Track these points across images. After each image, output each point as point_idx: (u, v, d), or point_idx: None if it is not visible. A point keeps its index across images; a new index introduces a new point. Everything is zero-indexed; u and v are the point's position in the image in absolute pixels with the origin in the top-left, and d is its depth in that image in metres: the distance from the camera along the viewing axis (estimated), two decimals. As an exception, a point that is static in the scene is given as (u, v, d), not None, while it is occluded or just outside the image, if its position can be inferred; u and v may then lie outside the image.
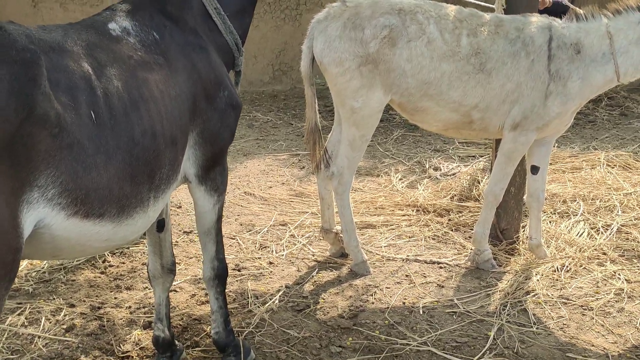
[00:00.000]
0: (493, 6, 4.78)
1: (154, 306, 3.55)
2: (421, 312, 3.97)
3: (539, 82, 4.09)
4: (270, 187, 6.28)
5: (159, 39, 2.86)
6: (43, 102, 2.17)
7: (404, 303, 4.09)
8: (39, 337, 3.70)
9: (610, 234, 4.92)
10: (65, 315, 3.91)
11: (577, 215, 5.25)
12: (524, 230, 4.92)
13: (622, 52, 4.11)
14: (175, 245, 4.94)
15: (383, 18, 4.05)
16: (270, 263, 4.65)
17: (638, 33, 4.09)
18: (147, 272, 3.47)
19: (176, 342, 3.57)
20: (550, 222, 5.17)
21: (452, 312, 3.98)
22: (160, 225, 3.36)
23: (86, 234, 2.45)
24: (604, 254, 4.66)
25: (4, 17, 9.95)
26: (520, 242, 4.85)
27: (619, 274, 4.36)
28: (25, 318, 3.89)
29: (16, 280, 4.23)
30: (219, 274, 3.36)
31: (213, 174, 3.12)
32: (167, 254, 3.42)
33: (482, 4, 5.39)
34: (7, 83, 2.07)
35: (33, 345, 3.64)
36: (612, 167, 6.34)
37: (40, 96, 2.16)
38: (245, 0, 3.31)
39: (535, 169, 4.50)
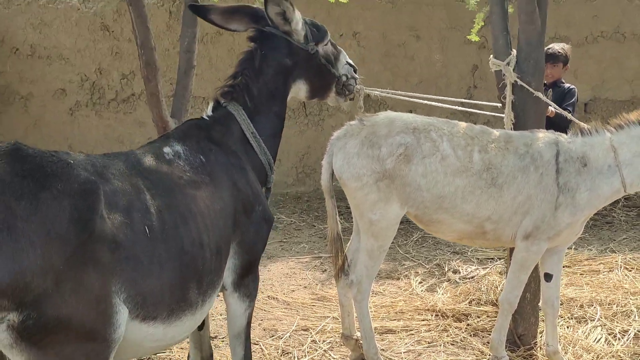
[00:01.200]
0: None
1: None
2: (440, 421, 4.04)
3: (548, 194, 4.29)
4: (293, 290, 6.43)
5: (205, 161, 3.33)
6: (100, 224, 2.56)
7: (423, 411, 4.17)
8: None
9: (627, 340, 4.98)
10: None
11: (594, 320, 5.32)
12: (541, 336, 5.00)
13: (627, 164, 4.32)
14: (200, 350, 5.07)
15: (399, 137, 4.31)
16: (292, 369, 4.76)
17: None
18: None
19: None
20: (567, 327, 5.24)
21: (471, 420, 4.04)
22: (201, 324, 3.63)
23: (141, 334, 2.78)
24: (622, 360, 4.71)
25: (43, 124, 10.50)
26: (538, 348, 4.91)
27: (637, 382, 4.41)
28: None
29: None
30: None
31: (247, 281, 3.48)
32: (206, 348, 3.81)
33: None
34: (68, 213, 2.47)
35: None
36: (630, 270, 6.43)
37: (98, 220, 2.56)
38: (277, 125, 3.81)
39: (548, 277, 4.63)
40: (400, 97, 5.44)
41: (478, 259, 7.10)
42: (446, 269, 6.78)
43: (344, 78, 4.08)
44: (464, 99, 10.05)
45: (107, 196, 2.69)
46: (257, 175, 3.63)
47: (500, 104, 4.87)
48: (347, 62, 4.15)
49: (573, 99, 6.36)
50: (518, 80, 4.66)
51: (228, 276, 3.37)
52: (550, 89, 6.48)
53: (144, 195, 2.89)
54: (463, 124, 4.50)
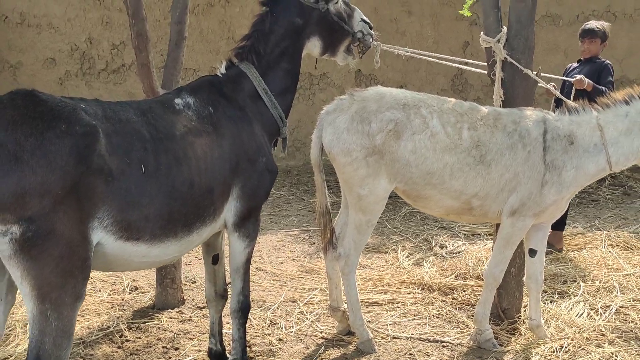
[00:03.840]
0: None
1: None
2: (424, 391, 4.13)
3: (535, 172, 4.35)
4: (282, 262, 6.50)
5: (212, 113, 3.74)
6: (98, 160, 3.04)
7: (407, 382, 4.26)
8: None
9: (609, 315, 5.08)
10: (83, 390, 4.10)
11: (577, 295, 5.43)
12: (525, 310, 5.09)
13: (612, 142, 4.38)
14: (188, 320, 5.14)
15: (389, 112, 4.35)
16: (280, 340, 4.83)
17: (626, 125, 4.36)
18: (205, 296, 4.35)
19: (227, 355, 4.29)
20: (550, 302, 5.34)
21: (454, 391, 4.14)
22: (215, 259, 4.22)
23: (127, 251, 3.28)
24: (603, 335, 4.80)
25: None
26: (522, 322, 5.01)
27: (617, 356, 4.50)
28: (46, 391, 4.06)
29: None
30: (243, 308, 4.04)
31: (247, 223, 3.87)
32: (220, 283, 4.25)
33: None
34: (68, 149, 2.94)
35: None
36: (613, 247, 6.53)
37: (95, 157, 3.02)
38: (288, 81, 4.12)
39: (533, 252, 4.71)
40: (411, 54, 5.45)
41: (465, 234, 7.19)
42: (433, 244, 6.86)
43: (359, 35, 4.35)
44: (455, 75, 10.09)
45: (108, 137, 3.13)
46: (269, 128, 4.02)
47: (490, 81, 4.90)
48: (362, 19, 4.40)
49: (610, 76, 6.40)
50: (508, 57, 4.70)
51: (230, 217, 3.78)
52: (583, 65, 6.53)
53: (145, 138, 3.31)
54: (452, 100, 4.54)
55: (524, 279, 4.93)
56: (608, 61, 6.57)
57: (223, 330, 4.43)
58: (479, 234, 7.17)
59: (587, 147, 4.38)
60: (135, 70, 10.48)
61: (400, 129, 4.32)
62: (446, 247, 6.75)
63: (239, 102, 3.90)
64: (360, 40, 4.35)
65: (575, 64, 6.77)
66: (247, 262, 4.03)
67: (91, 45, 10.46)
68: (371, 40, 4.43)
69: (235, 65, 4.03)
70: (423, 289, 5.69)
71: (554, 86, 5.94)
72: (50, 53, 10.46)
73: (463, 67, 6.22)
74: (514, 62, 4.68)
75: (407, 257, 6.49)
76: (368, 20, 4.46)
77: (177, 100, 3.70)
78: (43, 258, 2.88)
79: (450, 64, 5.57)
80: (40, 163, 2.85)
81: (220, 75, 4.00)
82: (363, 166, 4.35)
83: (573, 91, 6.04)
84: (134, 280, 5.87)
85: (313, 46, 4.21)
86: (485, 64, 4.96)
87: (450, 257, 6.44)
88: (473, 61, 5.74)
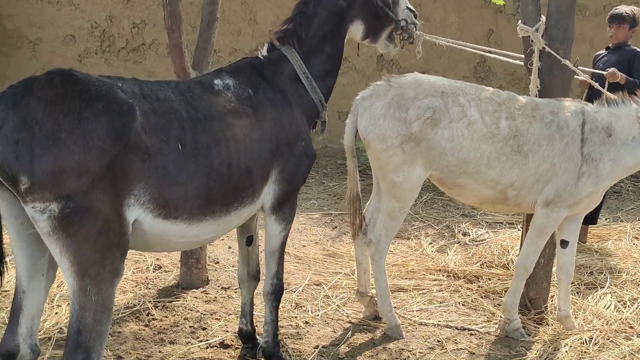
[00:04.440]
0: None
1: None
2: (454, 379, 4.14)
3: (572, 163, 4.32)
4: (304, 245, 6.50)
5: (252, 94, 3.72)
6: (135, 139, 3.04)
7: (437, 369, 4.27)
8: (91, 387, 3.90)
9: (637, 308, 5.07)
10: (113, 367, 4.12)
11: (604, 287, 5.42)
12: (552, 301, 5.09)
13: (651, 136, 4.35)
14: (213, 300, 5.16)
15: (427, 100, 4.32)
16: (306, 323, 4.84)
17: None
18: (238, 277, 4.35)
19: (257, 335, 4.32)
20: (577, 294, 5.33)
21: (484, 380, 4.15)
22: (249, 240, 4.21)
23: (165, 231, 3.28)
24: (631, 327, 4.80)
25: (51, 69, 10.39)
26: (549, 312, 5.01)
27: (646, 349, 4.50)
28: (77, 368, 4.08)
29: (65, 330, 4.48)
30: (276, 291, 4.06)
31: (284, 207, 3.87)
32: (253, 264, 4.25)
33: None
34: (105, 127, 2.95)
35: (85, 395, 3.84)
36: (638, 240, 6.50)
37: (132, 135, 3.03)
38: (329, 65, 4.09)
39: (564, 243, 4.69)
40: (451, 45, 5.40)
41: (487, 222, 7.18)
42: (456, 231, 6.85)
43: (403, 22, 4.30)
44: (478, 62, 10.03)
45: (145, 116, 3.13)
46: (308, 112, 4.01)
47: (527, 70, 4.86)
48: (407, 7, 4.35)
49: None
50: (546, 47, 4.65)
51: (267, 200, 3.78)
52: (611, 53, 6.42)
53: (183, 117, 3.31)
54: (490, 89, 4.50)
55: (553, 269, 4.92)
56: (638, 49, 6.45)
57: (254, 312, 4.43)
58: (501, 223, 7.16)
59: (625, 139, 4.35)
60: (155, 49, 10.49)
61: (438, 116, 4.29)
62: (469, 235, 6.74)
63: (279, 85, 3.88)
64: (403, 29, 4.29)
65: (603, 52, 6.66)
66: (283, 245, 4.03)
67: (111, 23, 10.41)
68: (414, 29, 4.37)
69: (277, 48, 4.00)
70: (448, 276, 5.69)
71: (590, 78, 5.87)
72: (70, 30, 10.42)
73: (487, 54, 6.17)
74: (552, 52, 4.63)
75: (430, 243, 6.48)
76: (413, 9, 4.40)
77: (217, 81, 3.69)
78: (81, 234, 2.90)
79: (500, 57, 5.42)
80: (78, 142, 2.86)
81: (262, 58, 3.98)
82: (398, 153, 4.33)
83: (606, 84, 5.91)
84: (157, 259, 5.88)
85: (356, 30, 4.15)
86: (511, 53, 4.92)
87: (474, 245, 6.43)
88: (507, 52, 5.69)
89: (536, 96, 4.69)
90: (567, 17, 4.64)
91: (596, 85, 5.11)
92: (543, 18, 4.70)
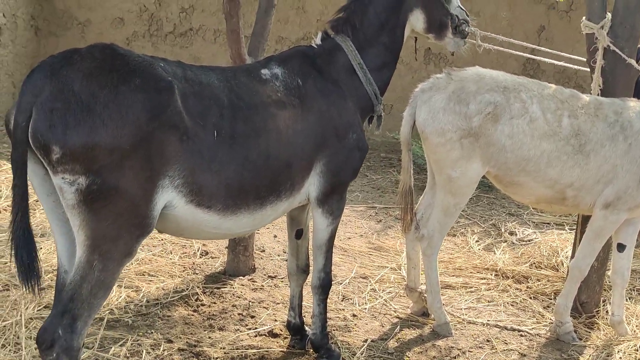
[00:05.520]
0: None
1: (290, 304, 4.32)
2: (505, 380, 4.08)
3: (634, 165, 4.22)
4: (349, 238, 6.48)
5: (301, 84, 3.62)
6: (173, 117, 3.00)
7: (487, 369, 4.21)
8: (142, 369, 3.93)
9: (691, 316, 4.96)
10: (164, 350, 4.11)
11: (657, 294, 5.30)
12: (604, 305, 4.99)
13: None
14: (260, 289, 5.16)
15: (488, 95, 4.24)
16: (354, 316, 4.81)
17: None
18: (287, 269, 4.35)
19: (305, 327, 4.30)
20: (630, 299, 5.22)
21: (536, 382, 4.08)
22: (299, 233, 4.18)
23: (198, 219, 3.23)
24: (686, 336, 4.69)
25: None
26: (600, 317, 4.91)
27: (701, 359, 4.39)
28: (127, 350, 4.09)
29: (116, 311, 4.53)
30: (324, 285, 4.01)
31: (331, 200, 3.77)
32: (303, 257, 4.22)
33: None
34: (141, 103, 2.91)
35: (136, 377, 3.87)
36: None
37: (169, 114, 2.98)
38: (386, 57, 3.96)
39: (621, 247, 4.59)
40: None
41: (534, 222, 7.08)
42: (502, 230, 6.76)
43: (456, 19, 4.11)
44: (527, 59, 9.88)
45: (184, 97, 3.08)
46: (362, 104, 3.89)
47: (589, 69, 4.75)
48: (458, 5, 4.18)
49: None
50: (611, 45, 4.54)
51: (313, 191, 3.70)
52: None
53: (224, 104, 3.25)
54: (553, 86, 4.42)
55: (608, 273, 4.82)
56: None
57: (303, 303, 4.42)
58: (548, 223, 7.05)
59: (690, 143, 4.23)
60: (203, 35, 10.53)
61: (499, 112, 4.22)
62: (516, 235, 6.64)
63: (332, 75, 3.78)
64: (457, 25, 4.10)
65: None
66: (331, 239, 3.96)
67: (160, 8, 10.49)
68: (467, 26, 4.18)
69: (331, 37, 3.90)
70: (497, 275, 5.62)
71: None
72: (119, 13, 10.52)
73: (535, 52, 6.05)
74: (617, 50, 4.52)
75: (476, 241, 6.41)
76: (464, 9, 4.23)
77: (264, 70, 3.60)
78: (103, 212, 2.89)
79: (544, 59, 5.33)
80: (112, 116, 2.83)
81: (315, 47, 3.88)
82: (457, 148, 4.27)
83: None
84: (203, 245, 5.90)
85: (416, 20, 4.00)
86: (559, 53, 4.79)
87: (522, 245, 6.33)
88: (560, 53, 5.58)
89: (598, 95, 4.58)
90: (634, 14, 4.52)
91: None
92: (609, 15, 4.59)
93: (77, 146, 2.78)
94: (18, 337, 3.93)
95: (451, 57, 9.81)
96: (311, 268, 4.19)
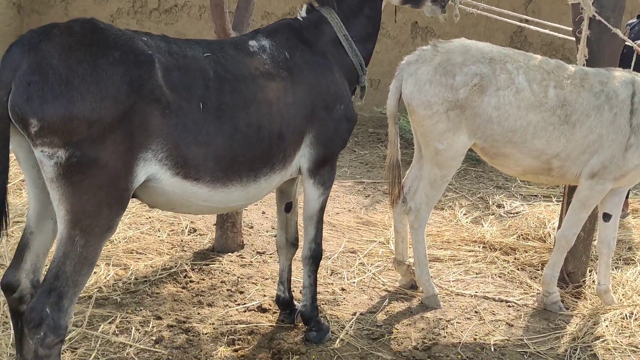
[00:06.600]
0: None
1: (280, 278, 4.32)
2: (492, 350, 4.10)
3: (620, 134, 4.23)
4: (338, 213, 6.48)
5: (288, 57, 3.64)
6: (155, 91, 2.98)
7: (475, 339, 4.24)
8: (130, 346, 3.92)
9: (677, 284, 5.00)
10: (153, 327, 4.11)
11: (643, 263, 5.35)
12: (590, 275, 5.03)
13: (702, 108, 4.23)
14: (249, 265, 5.16)
15: (474, 66, 4.22)
16: (343, 289, 4.83)
17: None
18: (276, 243, 4.32)
19: (294, 301, 4.32)
20: (616, 269, 5.26)
21: (523, 351, 4.11)
22: (288, 207, 4.20)
23: (187, 191, 3.24)
24: (671, 303, 4.74)
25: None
26: (587, 287, 4.95)
27: (686, 326, 4.44)
28: (116, 327, 4.09)
29: (104, 289, 4.53)
30: (314, 255, 4.05)
31: (322, 171, 3.83)
32: (292, 231, 4.24)
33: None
34: (120, 76, 2.89)
35: (126, 354, 3.87)
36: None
37: (150, 87, 2.96)
38: (369, 28, 3.99)
39: (607, 217, 4.62)
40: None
41: (521, 194, 7.11)
42: (490, 203, 6.78)
43: None
44: (514, 32, 9.86)
45: (167, 70, 3.06)
46: (348, 75, 3.92)
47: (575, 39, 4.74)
48: None
49: None
50: (596, 14, 4.53)
51: (304, 163, 3.74)
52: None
53: (209, 77, 3.23)
54: (539, 57, 4.40)
55: (594, 243, 4.85)
56: None
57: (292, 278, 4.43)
58: (536, 196, 7.08)
59: (676, 112, 4.24)
60: (187, 11, 10.43)
61: (485, 83, 4.21)
62: (503, 207, 6.68)
63: (320, 47, 3.80)
64: None
65: (635, 20, 6.51)
66: (321, 210, 3.99)
67: (144, -16, 10.36)
68: None
69: (316, 9, 3.91)
70: (484, 247, 5.65)
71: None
72: (103, -11, 10.38)
73: (523, 25, 6.04)
74: (602, 20, 4.51)
75: (464, 214, 6.43)
76: None
77: (252, 43, 3.61)
78: (83, 186, 2.89)
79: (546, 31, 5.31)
80: (91, 89, 2.82)
81: (301, 19, 3.89)
82: (443, 120, 4.26)
83: (634, 57, 5.73)
84: (192, 222, 5.89)
85: None
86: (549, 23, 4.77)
87: (509, 217, 6.36)
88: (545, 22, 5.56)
89: (584, 66, 4.58)
90: (620, -15, 4.51)
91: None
92: (595, -15, 4.57)
93: (55, 119, 2.78)
94: (7, 317, 3.92)
95: (438, 30, 9.78)
96: (300, 242, 4.21)
